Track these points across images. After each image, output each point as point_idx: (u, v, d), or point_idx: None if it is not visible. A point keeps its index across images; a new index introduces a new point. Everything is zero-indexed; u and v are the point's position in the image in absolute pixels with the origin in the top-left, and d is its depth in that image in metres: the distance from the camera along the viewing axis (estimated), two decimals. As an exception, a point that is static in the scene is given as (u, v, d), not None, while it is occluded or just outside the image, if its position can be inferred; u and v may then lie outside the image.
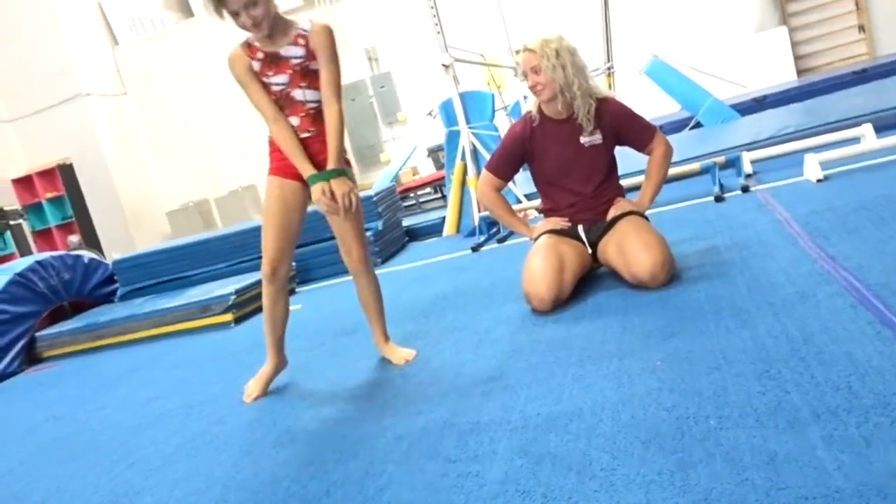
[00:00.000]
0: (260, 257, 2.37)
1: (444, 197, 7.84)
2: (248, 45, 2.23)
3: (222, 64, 2.30)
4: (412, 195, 8.66)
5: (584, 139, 2.72)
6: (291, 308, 2.54)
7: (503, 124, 6.48)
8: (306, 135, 2.25)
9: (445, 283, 3.66)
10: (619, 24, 8.23)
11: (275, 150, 2.32)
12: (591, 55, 6.17)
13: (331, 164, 2.20)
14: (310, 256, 5.01)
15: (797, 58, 9.21)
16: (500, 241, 4.52)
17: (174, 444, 2.27)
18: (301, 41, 2.20)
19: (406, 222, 6.08)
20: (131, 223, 10.52)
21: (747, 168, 4.36)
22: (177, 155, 11.14)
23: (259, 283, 2.47)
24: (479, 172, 4.84)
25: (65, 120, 10.25)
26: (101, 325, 4.48)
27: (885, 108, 4.59)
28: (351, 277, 2.52)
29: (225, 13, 2.11)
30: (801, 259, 2.39)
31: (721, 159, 4.44)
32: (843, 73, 7.22)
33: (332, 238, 2.45)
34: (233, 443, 2.13)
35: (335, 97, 2.22)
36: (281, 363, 2.55)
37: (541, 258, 2.61)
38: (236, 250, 5.18)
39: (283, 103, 2.25)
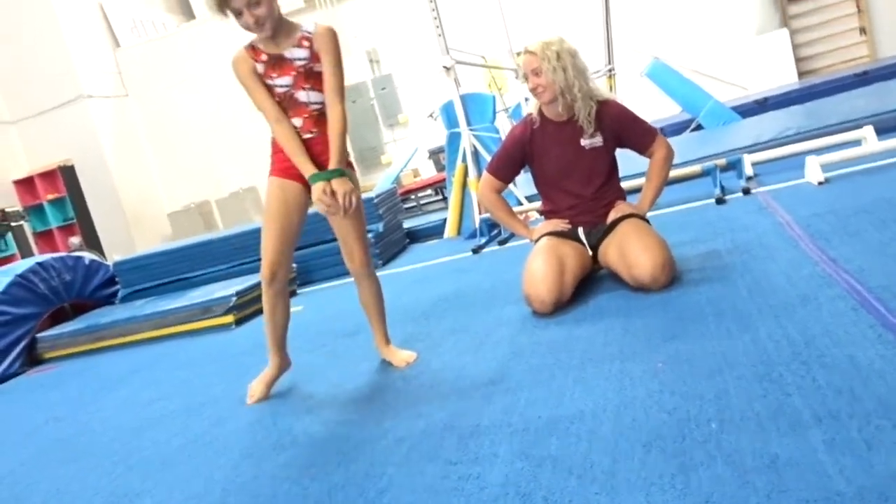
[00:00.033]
0: (260, 259, 2.36)
1: (444, 199, 7.84)
2: (251, 48, 2.23)
3: (223, 66, 2.31)
4: (413, 197, 8.66)
5: (584, 141, 2.72)
6: (292, 310, 2.54)
7: (504, 126, 6.48)
8: (309, 136, 2.25)
9: (446, 285, 3.65)
10: (620, 26, 8.22)
11: (277, 151, 2.32)
12: (592, 57, 6.17)
13: (332, 164, 2.20)
14: (311, 258, 5.01)
15: (798, 60, 9.21)
16: (501, 243, 4.52)
17: (174, 445, 2.27)
18: (305, 43, 2.20)
19: (407, 224, 6.08)
20: (132, 225, 10.53)
21: (748, 170, 4.36)
22: (178, 156, 11.15)
23: (259, 284, 2.47)
24: (479, 174, 4.85)
25: (66, 121, 10.27)
26: (102, 326, 4.48)
27: (887, 111, 4.58)
28: (352, 279, 2.52)
29: (228, 13, 2.11)
30: (802, 262, 2.39)
31: (722, 161, 4.44)
32: (844, 76, 7.23)
33: (334, 240, 2.45)
34: (233, 445, 2.13)
35: (339, 99, 2.22)
36: (284, 364, 2.54)
37: (541, 260, 2.61)
38: (237, 252, 5.18)
39: (286, 105, 2.24)
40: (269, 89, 2.23)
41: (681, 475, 1.30)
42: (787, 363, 1.64)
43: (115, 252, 9.45)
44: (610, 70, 7.68)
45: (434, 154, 9.35)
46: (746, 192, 3.94)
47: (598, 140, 2.72)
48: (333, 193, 2.18)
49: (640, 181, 3.14)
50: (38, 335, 4.59)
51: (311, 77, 2.22)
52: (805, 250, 2.51)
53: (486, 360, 2.26)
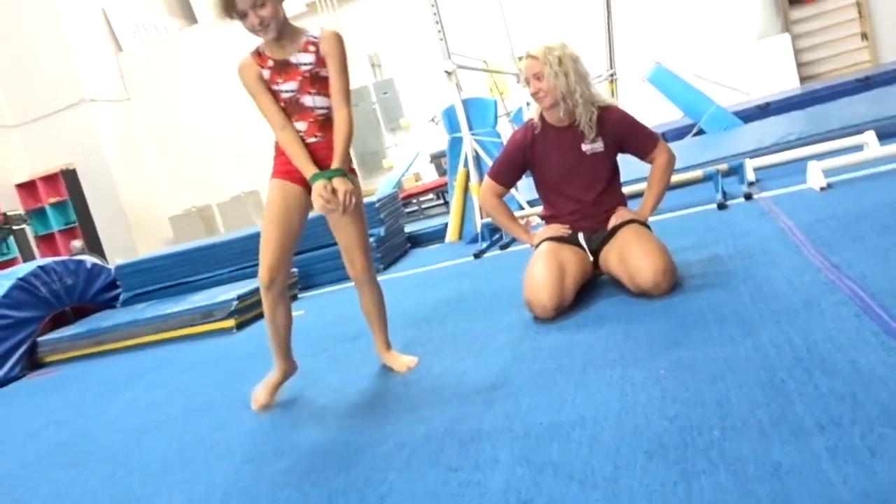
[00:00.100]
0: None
1: (446, 203, 7.84)
2: (257, 54, 2.23)
3: (225, 70, 2.32)
4: (415, 201, 8.67)
5: (585, 147, 2.72)
6: (293, 314, 2.53)
7: (506, 131, 6.48)
8: (313, 140, 2.24)
9: (447, 290, 3.65)
10: (622, 31, 8.25)
11: (279, 154, 2.31)
12: (594, 62, 6.18)
13: (335, 164, 2.18)
14: (312, 262, 5.01)
15: (800, 65, 9.21)
16: (503, 247, 4.52)
17: (175, 449, 2.27)
18: (311, 48, 2.19)
19: (408, 228, 6.08)
20: (134, 228, 10.55)
21: (750, 175, 4.35)
22: (180, 160, 11.17)
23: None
24: (481, 179, 4.85)
25: (68, 125, 10.30)
26: (104, 330, 4.48)
27: (889, 116, 4.58)
28: (353, 283, 2.51)
29: (233, 17, 2.11)
30: (804, 267, 2.39)
31: (724, 166, 4.44)
32: (846, 81, 7.23)
33: (335, 243, 2.43)
34: (234, 449, 2.12)
35: (345, 103, 2.21)
36: (289, 369, 2.51)
37: (542, 265, 2.61)
38: (239, 256, 5.18)
39: (291, 109, 2.23)
40: (275, 95, 2.23)
41: (683, 483, 1.29)
42: (789, 369, 1.64)
43: (116, 256, 9.47)
44: (612, 74, 7.70)
45: (436, 158, 9.36)
46: (748, 197, 3.93)
47: (599, 145, 2.72)
48: (334, 191, 2.16)
49: (642, 186, 3.13)
50: (40, 339, 4.58)
51: (317, 82, 2.22)
52: (807, 256, 2.50)
53: (487, 365, 2.25)
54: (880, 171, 3.60)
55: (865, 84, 6.89)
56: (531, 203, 4.81)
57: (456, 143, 5.38)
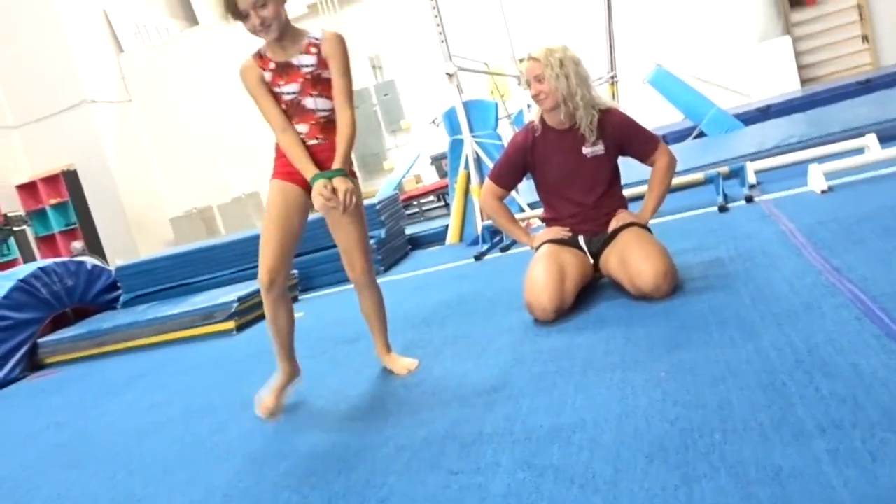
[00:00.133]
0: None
1: (447, 205, 7.84)
2: (259, 56, 2.22)
3: (226, 72, 2.32)
4: (415, 203, 8.66)
5: (586, 150, 2.72)
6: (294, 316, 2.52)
7: (507, 133, 6.48)
8: (314, 142, 2.23)
9: (448, 292, 3.65)
10: (623, 33, 8.25)
11: (280, 155, 2.29)
12: (595, 64, 6.19)
13: (336, 165, 2.17)
14: (312, 264, 5.01)
15: (800, 67, 9.21)
16: (503, 249, 4.52)
17: (175, 451, 2.27)
18: (313, 50, 2.18)
19: (409, 230, 6.07)
20: (135, 230, 10.55)
21: (751, 178, 4.35)
22: (181, 162, 11.17)
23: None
24: (482, 181, 4.85)
25: (69, 126, 10.30)
26: (104, 331, 4.48)
27: (890, 119, 4.58)
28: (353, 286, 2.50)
29: (233, 18, 2.10)
30: (805, 270, 2.38)
31: (725, 169, 4.43)
32: (847, 83, 7.22)
33: (335, 246, 2.42)
34: (234, 451, 2.12)
35: (348, 104, 2.20)
36: (293, 372, 2.45)
37: (542, 268, 2.61)
38: (239, 257, 5.18)
39: (293, 111, 2.22)
40: (277, 97, 2.22)
41: (684, 486, 1.29)
42: (790, 372, 1.63)
43: (117, 257, 9.47)
44: (612, 77, 7.70)
45: (436, 160, 9.36)
46: (749, 199, 3.93)
47: (599, 148, 2.72)
48: (334, 190, 2.14)
49: (642, 189, 3.13)
50: (40, 340, 4.59)
51: (319, 84, 2.21)
52: (808, 259, 2.50)
53: (487, 368, 2.25)
54: (881, 174, 3.60)
55: (866, 87, 6.88)
56: (532, 205, 4.80)
57: (457, 145, 5.38)
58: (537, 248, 2.78)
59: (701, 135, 6.85)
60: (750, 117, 6.91)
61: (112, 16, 10.95)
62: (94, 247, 10.08)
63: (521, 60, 2.81)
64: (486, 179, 2.97)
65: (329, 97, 2.22)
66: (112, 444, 2.53)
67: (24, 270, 4.72)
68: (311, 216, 2.39)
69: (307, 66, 2.19)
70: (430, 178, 9.84)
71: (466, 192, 5.32)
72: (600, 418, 1.66)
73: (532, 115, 2.84)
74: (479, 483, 1.51)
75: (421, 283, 4.25)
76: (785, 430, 1.39)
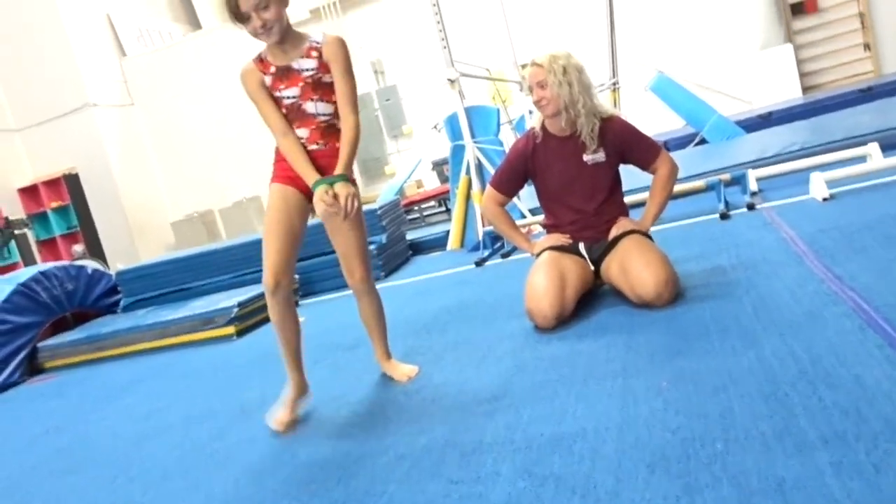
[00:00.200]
0: (262, 269, 2.27)
1: (448, 211, 7.84)
2: (259, 60, 2.22)
3: (229, 76, 2.30)
4: (416, 208, 8.66)
5: (587, 157, 2.71)
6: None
7: (508, 139, 6.49)
8: (315, 147, 2.21)
9: (449, 298, 3.64)
10: (625, 40, 8.26)
11: (279, 159, 2.28)
12: (597, 70, 6.18)
13: (338, 170, 2.15)
14: (312, 270, 5.00)
15: (802, 75, 9.22)
16: (504, 255, 4.51)
17: (175, 457, 2.26)
18: (314, 53, 2.17)
19: (410, 236, 6.07)
20: (136, 233, 10.54)
21: (753, 185, 4.35)
22: (182, 166, 11.17)
23: (262, 295, 2.41)
24: (483, 187, 4.84)
25: (71, 130, 10.31)
26: (104, 336, 4.47)
27: (892, 127, 4.58)
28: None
29: (234, 21, 2.10)
30: (807, 279, 2.38)
31: (726, 176, 4.43)
32: (848, 91, 7.23)
33: (335, 251, 2.41)
34: (234, 458, 2.11)
35: (351, 109, 2.18)
36: (303, 384, 2.36)
37: (542, 274, 2.60)
38: (240, 262, 5.18)
39: (293, 116, 2.21)
40: (277, 101, 2.21)
41: (685, 497, 1.28)
42: (792, 382, 1.63)
43: (118, 261, 9.46)
44: (614, 83, 7.70)
45: (438, 166, 9.36)
46: (751, 207, 3.93)
47: (600, 156, 2.71)
48: (335, 196, 2.12)
49: (643, 196, 3.13)
50: (39, 344, 4.58)
51: (320, 88, 2.19)
52: (810, 267, 2.49)
53: (488, 375, 2.24)
54: (883, 183, 3.60)
55: (868, 94, 6.89)
56: (533, 211, 4.80)
57: (458, 151, 5.38)
58: (538, 255, 2.77)
59: (702, 142, 6.85)
60: (751, 124, 6.91)
61: (115, 19, 10.97)
62: (95, 250, 10.08)
63: (524, 66, 2.80)
64: (488, 186, 2.97)
65: (330, 101, 2.21)
66: (111, 450, 2.52)
67: (24, 274, 4.72)
68: (311, 221, 2.38)
69: (307, 69, 2.18)
70: (432, 184, 9.84)
71: (468, 197, 5.32)
72: (601, 427, 1.65)
73: (533, 122, 2.84)
74: (479, 492, 1.50)
75: (422, 288, 4.24)
76: (787, 440, 1.38)
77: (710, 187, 4.40)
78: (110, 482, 2.17)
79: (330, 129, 2.22)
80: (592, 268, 2.76)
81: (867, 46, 9.22)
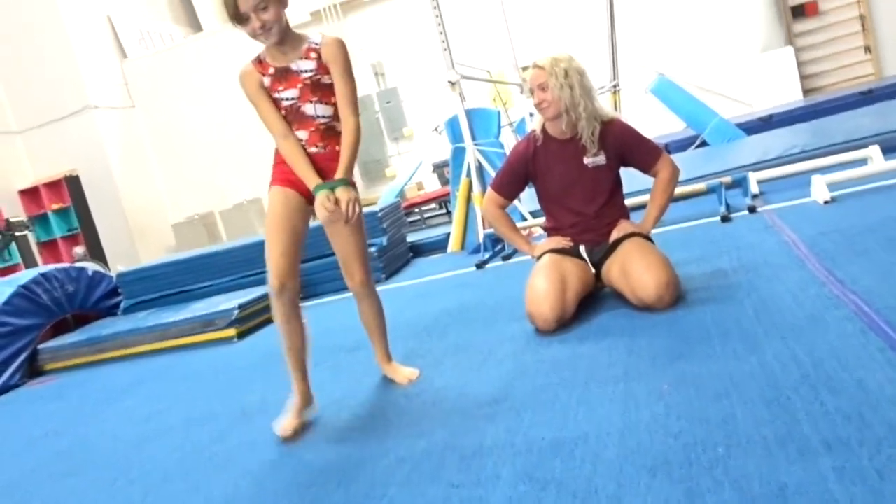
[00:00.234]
0: (265, 271, 2.26)
1: (448, 213, 7.83)
2: (258, 62, 2.21)
3: (230, 78, 2.29)
4: (417, 211, 8.66)
5: (587, 160, 2.71)
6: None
7: (509, 141, 6.48)
8: (314, 150, 2.20)
9: (449, 301, 3.64)
10: (626, 43, 8.25)
11: (279, 162, 2.27)
12: (598, 73, 6.18)
13: (339, 174, 2.14)
14: (313, 272, 4.99)
15: (803, 77, 9.21)
16: (505, 258, 4.51)
17: (175, 459, 2.26)
18: (312, 55, 2.16)
19: (410, 238, 6.06)
20: (136, 236, 10.55)
21: (754, 188, 4.34)
22: (183, 167, 11.18)
23: (263, 297, 2.40)
24: (484, 189, 4.84)
25: (72, 132, 10.32)
26: (104, 338, 4.47)
27: (893, 130, 4.57)
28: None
29: (234, 22, 2.09)
30: (808, 282, 2.37)
31: (727, 179, 4.43)
32: (849, 94, 7.22)
33: (335, 254, 2.40)
34: (234, 461, 2.11)
35: (352, 111, 2.17)
36: (309, 395, 2.30)
37: (543, 277, 2.60)
38: (241, 264, 5.17)
39: (292, 117, 2.19)
40: (276, 103, 2.20)
41: (687, 501, 1.27)
42: (794, 387, 1.62)
43: (118, 263, 9.46)
44: (615, 86, 7.70)
45: (438, 168, 9.36)
46: (752, 210, 3.92)
47: (601, 158, 2.71)
48: (337, 201, 2.11)
49: (644, 198, 3.12)
50: (40, 346, 4.58)
51: (319, 90, 2.18)
52: (812, 270, 2.49)
53: (489, 378, 2.24)
54: (884, 185, 3.59)
55: (869, 97, 6.88)
56: (534, 214, 4.80)
57: (459, 153, 5.38)
58: (539, 258, 2.77)
59: (703, 144, 6.84)
60: (752, 127, 6.90)
61: (116, 22, 10.98)
62: (96, 252, 10.08)
63: (525, 68, 2.80)
64: (489, 188, 2.96)
65: (329, 103, 2.19)
66: (111, 452, 2.52)
67: (25, 276, 4.72)
68: (312, 223, 2.37)
69: (306, 71, 2.16)
70: (432, 186, 9.83)
71: (468, 200, 5.32)
72: (603, 431, 1.64)
73: (534, 124, 2.84)
74: (479, 496, 1.49)
75: (422, 291, 4.23)
76: (790, 445, 1.37)
77: (710, 190, 4.39)
78: (110, 484, 2.17)
79: (330, 132, 2.21)
80: (593, 270, 2.75)
81: (868, 49, 9.22)
